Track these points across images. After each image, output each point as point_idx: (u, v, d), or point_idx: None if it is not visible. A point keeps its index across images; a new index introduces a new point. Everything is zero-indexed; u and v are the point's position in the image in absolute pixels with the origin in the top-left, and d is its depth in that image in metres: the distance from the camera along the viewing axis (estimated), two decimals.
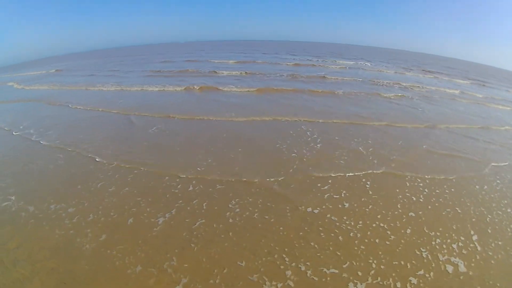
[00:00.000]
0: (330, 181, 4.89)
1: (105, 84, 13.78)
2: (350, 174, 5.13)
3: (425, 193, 4.70)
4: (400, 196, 4.56)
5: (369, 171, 5.25)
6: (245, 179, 4.87)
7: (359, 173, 5.16)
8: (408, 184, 4.93)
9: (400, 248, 3.47)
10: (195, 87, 12.43)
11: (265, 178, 4.90)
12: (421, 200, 4.50)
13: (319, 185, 4.78)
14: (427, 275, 3.10)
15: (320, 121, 8.04)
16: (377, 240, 3.57)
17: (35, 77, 19.78)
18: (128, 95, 11.58)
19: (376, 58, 38.13)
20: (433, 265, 3.23)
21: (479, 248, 3.57)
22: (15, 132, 7.34)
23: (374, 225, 3.85)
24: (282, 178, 4.94)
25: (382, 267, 3.16)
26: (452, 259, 3.35)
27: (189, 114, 8.39)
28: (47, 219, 3.92)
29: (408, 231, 3.77)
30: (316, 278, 3.02)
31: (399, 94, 12.79)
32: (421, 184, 4.96)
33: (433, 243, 3.59)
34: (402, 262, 3.24)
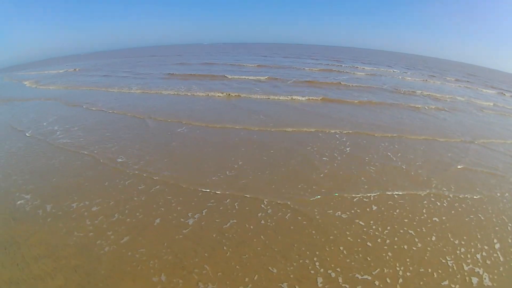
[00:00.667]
0: (360, 195, 4.74)
1: (124, 86, 14.02)
2: (388, 193, 4.86)
3: (455, 213, 4.50)
4: (425, 201, 4.65)
5: (405, 192, 4.93)
6: (274, 185, 4.87)
7: (391, 193, 4.85)
8: (441, 204, 4.70)
9: (427, 255, 3.53)
10: (217, 93, 12.26)
11: (296, 184, 4.91)
12: (445, 210, 4.54)
13: (349, 198, 4.70)
14: (452, 286, 3.14)
15: (351, 131, 7.77)
16: (405, 246, 3.65)
17: (57, 75, 20.51)
18: (147, 97, 11.71)
19: (397, 64, 37.61)
20: (459, 276, 3.27)
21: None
22: (37, 132, 7.38)
23: (401, 230, 3.93)
24: (313, 184, 4.96)
25: (408, 274, 3.23)
26: (477, 269, 3.40)
27: (204, 121, 8.26)
28: (71, 216, 3.97)
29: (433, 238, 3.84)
30: (347, 286, 3.05)
31: (432, 107, 12.16)
32: (460, 205, 4.72)
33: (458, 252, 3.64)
34: (429, 270, 3.31)
